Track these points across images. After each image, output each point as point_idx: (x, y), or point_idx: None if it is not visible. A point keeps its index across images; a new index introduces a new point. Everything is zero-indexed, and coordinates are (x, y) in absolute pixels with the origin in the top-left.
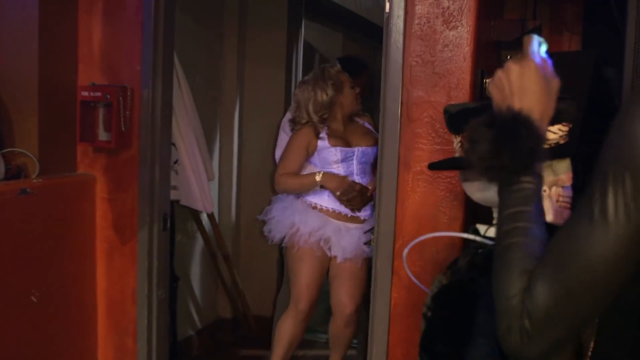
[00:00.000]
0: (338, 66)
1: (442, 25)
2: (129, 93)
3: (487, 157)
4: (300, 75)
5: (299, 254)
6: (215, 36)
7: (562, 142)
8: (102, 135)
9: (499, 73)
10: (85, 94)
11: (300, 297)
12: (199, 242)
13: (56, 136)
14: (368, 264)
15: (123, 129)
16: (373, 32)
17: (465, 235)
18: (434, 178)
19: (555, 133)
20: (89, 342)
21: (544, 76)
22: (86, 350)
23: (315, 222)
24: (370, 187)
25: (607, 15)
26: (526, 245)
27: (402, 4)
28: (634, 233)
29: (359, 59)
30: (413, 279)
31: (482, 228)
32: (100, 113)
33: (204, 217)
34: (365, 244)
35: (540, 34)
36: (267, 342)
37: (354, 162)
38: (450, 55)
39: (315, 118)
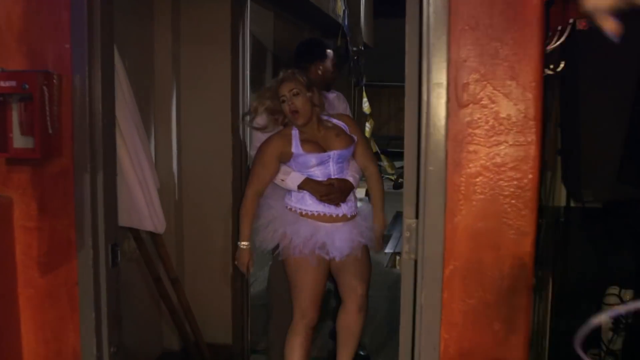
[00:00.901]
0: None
1: None
2: (55, 81)
3: None
4: (249, 57)
5: (296, 266)
6: (144, 11)
7: None
8: (19, 142)
9: None
10: None
11: (306, 309)
12: (139, 265)
13: None
14: (367, 251)
15: (50, 131)
16: (305, 12)
17: None
18: (496, 180)
19: None
20: None
21: None
22: None
23: (307, 231)
24: (349, 179)
25: None
26: None
27: None
28: None
29: (317, 41)
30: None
31: None
32: (15, 110)
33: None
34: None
35: None
36: None
37: (330, 164)
38: (514, 14)
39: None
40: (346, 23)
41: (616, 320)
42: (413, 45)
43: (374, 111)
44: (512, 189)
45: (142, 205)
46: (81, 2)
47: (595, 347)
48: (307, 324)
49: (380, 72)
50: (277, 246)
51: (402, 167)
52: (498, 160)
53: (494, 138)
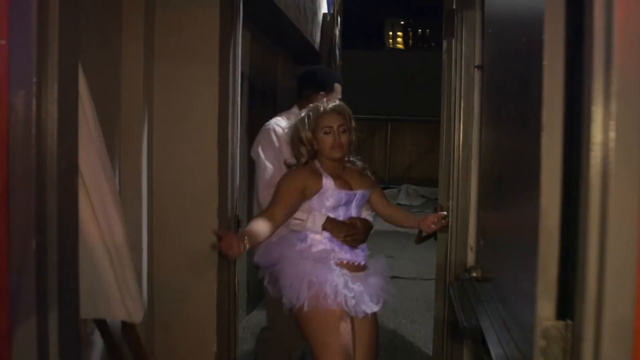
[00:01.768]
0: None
1: None
2: None
3: None
4: (239, 72)
5: (326, 321)
6: (109, 21)
7: None
8: None
9: None
10: None
11: None
12: (97, 349)
13: None
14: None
15: None
16: (283, 34)
17: None
18: None
19: None
20: None
21: None
22: None
23: (338, 277)
24: (369, 218)
25: None
26: None
27: None
28: None
29: (327, 70)
30: None
31: None
32: None
33: None
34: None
35: None
36: None
37: (354, 204)
38: None
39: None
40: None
41: None
42: None
43: None
44: None
45: (112, 286)
46: None
47: None
48: None
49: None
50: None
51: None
52: None
53: None
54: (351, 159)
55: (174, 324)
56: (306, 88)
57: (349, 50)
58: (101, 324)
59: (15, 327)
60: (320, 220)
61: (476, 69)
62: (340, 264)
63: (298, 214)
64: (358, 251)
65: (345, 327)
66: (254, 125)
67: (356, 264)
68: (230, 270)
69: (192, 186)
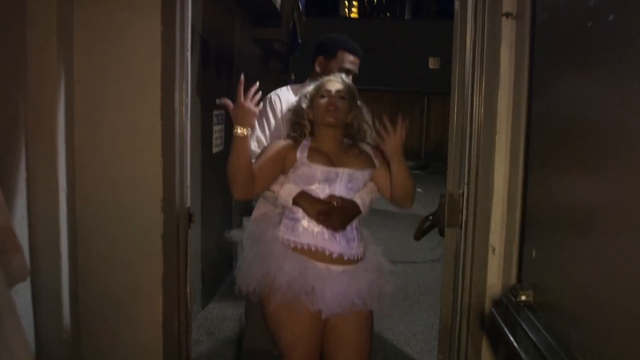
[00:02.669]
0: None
1: None
2: None
3: None
4: (189, 22)
5: (276, 314)
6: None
7: None
8: None
9: None
10: None
11: None
12: None
13: None
14: (370, 321)
15: None
16: None
17: None
18: None
19: None
20: None
21: None
22: None
23: (294, 269)
24: (357, 200)
25: None
26: None
27: None
28: None
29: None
30: None
31: None
32: None
33: None
34: None
35: None
36: None
37: (338, 184)
38: None
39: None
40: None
41: None
42: None
43: None
44: None
45: None
46: None
47: None
48: None
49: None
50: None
51: None
52: None
53: None
54: (359, 143)
55: (108, 351)
56: (312, 55)
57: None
58: None
59: None
60: (292, 193)
61: (505, 18)
62: (303, 251)
63: (274, 185)
64: (341, 241)
65: (301, 323)
66: (209, 93)
67: (330, 254)
68: (181, 279)
69: (128, 171)
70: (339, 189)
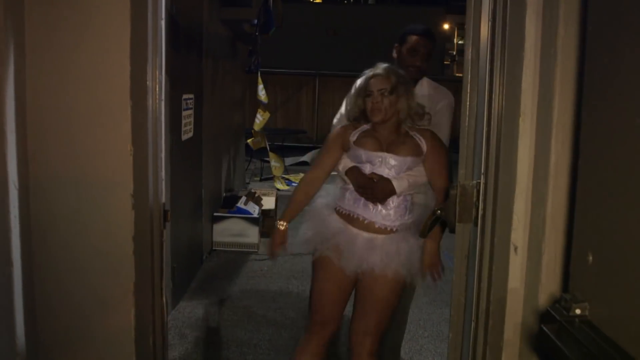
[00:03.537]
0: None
1: None
2: None
3: None
4: (163, 30)
5: (314, 265)
6: None
7: None
8: None
9: None
10: None
11: (319, 320)
12: None
13: None
14: (397, 288)
15: None
16: None
17: None
18: None
19: None
20: None
21: None
22: None
23: (332, 228)
24: (393, 181)
25: None
26: None
27: None
28: None
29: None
30: None
31: None
32: None
33: None
34: None
35: None
36: None
37: (383, 167)
38: None
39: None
40: None
41: None
42: None
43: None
44: None
45: None
46: None
47: None
48: (319, 338)
49: (270, 58)
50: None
51: (296, 164)
52: None
53: None
54: (408, 126)
55: None
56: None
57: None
58: None
59: None
60: (346, 167)
61: None
62: (343, 215)
63: (338, 163)
64: (377, 211)
65: (330, 273)
66: (178, 75)
67: (366, 222)
68: (156, 287)
69: (91, 162)
70: (381, 171)
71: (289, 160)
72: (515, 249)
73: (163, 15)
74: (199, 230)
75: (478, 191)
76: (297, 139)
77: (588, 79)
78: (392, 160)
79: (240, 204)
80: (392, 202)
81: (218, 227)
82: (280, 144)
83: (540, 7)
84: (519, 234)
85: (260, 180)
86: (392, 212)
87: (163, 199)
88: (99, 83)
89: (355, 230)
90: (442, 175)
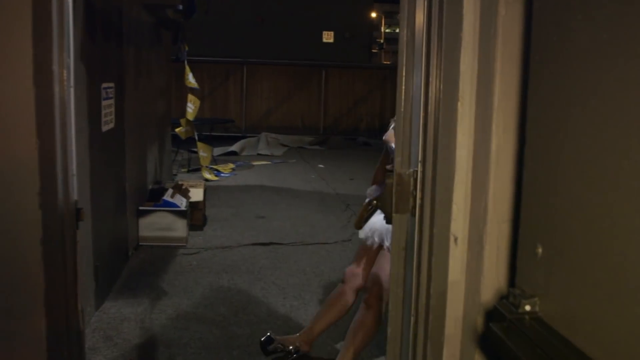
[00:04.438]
0: None
1: None
2: None
3: None
4: (71, 9)
5: (365, 242)
6: None
7: None
8: None
9: None
10: None
11: (350, 270)
12: None
13: None
14: None
15: None
16: None
17: None
18: None
19: None
20: None
21: None
22: None
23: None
24: None
25: None
26: None
27: None
28: None
29: None
30: None
31: None
32: None
33: None
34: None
35: None
36: None
37: None
38: None
39: None
40: None
41: None
42: None
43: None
44: None
45: None
46: None
47: None
48: (352, 284)
49: (196, 46)
50: None
51: (225, 155)
52: None
53: None
54: None
55: None
56: None
57: None
58: None
59: None
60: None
61: None
62: None
63: None
64: None
65: (368, 252)
66: (96, 62)
67: None
68: (69, 294)
69: None
70: None
71: (218, 151)
72: (456, 239)
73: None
74: (124, 226)
75: (415, 180)
76: (225, 129)
77: (534, 60)
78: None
79: (167, 197)
80: None
81: (144, 222)
82: (208, 133)
83: None
84: (459, 225)
85: (188, 171)
86: None
87: (75, 196)
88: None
89: None
90: None
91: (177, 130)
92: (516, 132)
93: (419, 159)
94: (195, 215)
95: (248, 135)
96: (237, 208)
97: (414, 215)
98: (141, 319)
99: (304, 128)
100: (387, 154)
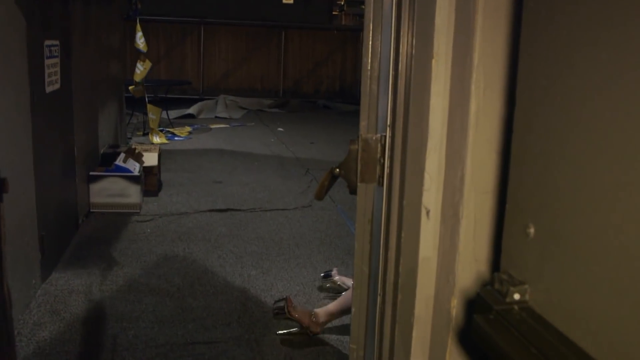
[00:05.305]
0: None
1: None
2: None
3: None
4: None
5: None
6: None
7: None
8: None
9: None
10: None
11: None
12: None
13: None
14: None
15: None
16: None
17: None
18: None
19: None
20: None
21: None
22: None
23: None
24: None
25: None
26: None
27: None
28: None
29: None
30: None
31: None
32: None
33: None
34: None
35: None
36: None
37: None
38: None
39: None
40: None
41: None
42: None
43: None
44: None
45: None
46: None
47: None
48: None
49: (150, 4)
50: None
51: (182, 117)
52: None
53: None
54: None
55: None
56: None
57: None
58: None
59: None
60: None
61: None
62: None
63: None
64: None
65: None
66: (38, 17)
67: None
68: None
69: None
70: None
71: (174, 113)
72: (428, 212)
73: None
74: (73, 192)
75: (383, 146)
76: (183, 91)
77: (528, 7)
78: None
79: (119, 162)
80: None
81: (95, 187)
82: (163, 95)
83: None
84: (431, 196)
85: (143, 134)
86: None
87: None
88: None
89: None
90: None
91: (130, 88)
92: (502, 92)
93: (388, 122)
94: (149, 181)
95: (206, 97)
96: (194, 173)
97: (381, 184)
98: (90, 291)
99: (263, 91)
100: None
